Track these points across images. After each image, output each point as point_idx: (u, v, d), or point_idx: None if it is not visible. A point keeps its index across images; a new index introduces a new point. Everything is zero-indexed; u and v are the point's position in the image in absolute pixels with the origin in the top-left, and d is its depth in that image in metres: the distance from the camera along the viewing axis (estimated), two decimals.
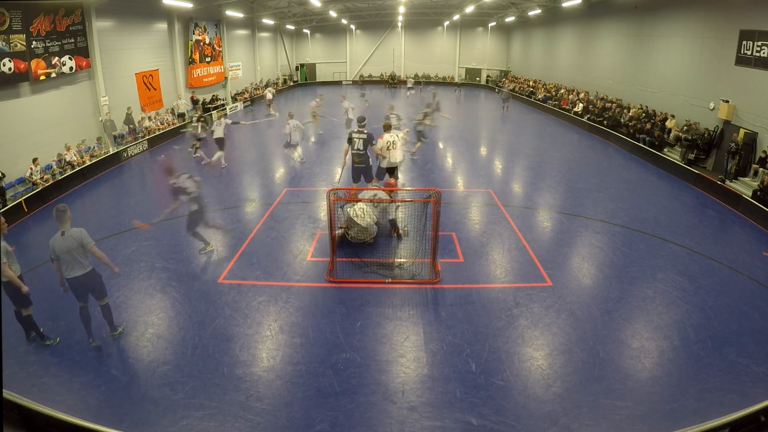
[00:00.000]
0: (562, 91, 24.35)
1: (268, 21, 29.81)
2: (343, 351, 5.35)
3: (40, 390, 4.78)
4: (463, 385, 4.81)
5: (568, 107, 22.30)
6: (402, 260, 7.46)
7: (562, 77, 25.71)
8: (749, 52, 11.66)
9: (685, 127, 14.26)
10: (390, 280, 6.85)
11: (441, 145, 16.49)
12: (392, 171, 9.18)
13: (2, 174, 10.43)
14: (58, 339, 5.54)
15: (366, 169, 9.00)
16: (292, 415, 4.45)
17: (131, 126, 15.89)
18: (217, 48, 23.81)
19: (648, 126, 15.76)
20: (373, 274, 7.00)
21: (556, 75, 26.60)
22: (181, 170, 7.74)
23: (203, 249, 7.86)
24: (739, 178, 11.47)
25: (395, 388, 4.79)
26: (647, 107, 16.92)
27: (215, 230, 8.11)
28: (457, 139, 17.53)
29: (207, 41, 22.51)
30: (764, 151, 11.00)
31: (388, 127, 9.20)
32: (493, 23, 35.09)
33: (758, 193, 10.06)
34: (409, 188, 8.24)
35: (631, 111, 17.51)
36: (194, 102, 21.24)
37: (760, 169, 10.81)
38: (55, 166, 12.07)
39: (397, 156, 8.99)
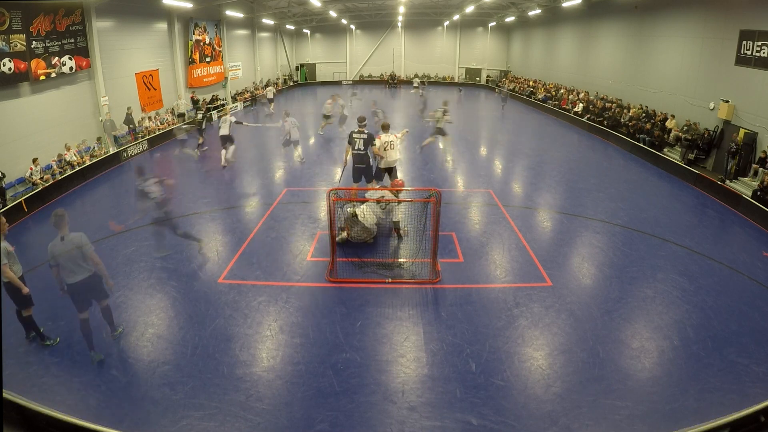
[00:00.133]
0: (562, 91, 24.35)
1: (268, 21, 29.81)
2: (343, 351, 5.35)
3: (40, 390, 4.78)
4: (463, 385, 4.81)
5: (568, 107, 22.30)
6: (402, 260, 7.46)
7: (562, 77, 25.71)
8: (749, 52, 11.66)
9: (685, 127, 14.26)
10: (390, 280, 6.85)
11: (441, 145, 16.49)
12: (390, 171, 9.18)
13: (2, 174, 10.43)
14: (58, 339, 5.54)
15: (366, 169, 9.00)
16: (292, 415, 4.45)
17: (131, 126, 15.89)
18: (217, 48, 23.81)
19: (648, 126, 15.77)
20: (374, 274, 7.00)
21: (556, 75, 26.60)
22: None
23: (161, 252, 7.73)
24: (739, 178, 11.47)
25: (395, 388, 4.79)
26: (647, 107, 16.93)
27: (185, 239, 7.92)
28: (457, 139, 17.51)
29: (207, 41, 22.51)
30: (764, 151, 11.00)
31: (386, 127, 9.20)
32: (493, 23, 35.09)
33: (758, 193, 10.07)
34: (409, 188, 8.24)
35: (631, 111, 17.51)
36: (194, 102, 21.25)
37: (760, 169, 10.81)
38: (55, 166, 12.07)
39: (394, 156, 9.00)
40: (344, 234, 7.93)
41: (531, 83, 29.36)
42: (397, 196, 7.94)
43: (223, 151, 13.07)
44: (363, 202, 8.48)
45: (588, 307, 6.26)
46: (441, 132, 13.60)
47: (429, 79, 36.91)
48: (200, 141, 15.31)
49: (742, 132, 11.94)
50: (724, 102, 12.62)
